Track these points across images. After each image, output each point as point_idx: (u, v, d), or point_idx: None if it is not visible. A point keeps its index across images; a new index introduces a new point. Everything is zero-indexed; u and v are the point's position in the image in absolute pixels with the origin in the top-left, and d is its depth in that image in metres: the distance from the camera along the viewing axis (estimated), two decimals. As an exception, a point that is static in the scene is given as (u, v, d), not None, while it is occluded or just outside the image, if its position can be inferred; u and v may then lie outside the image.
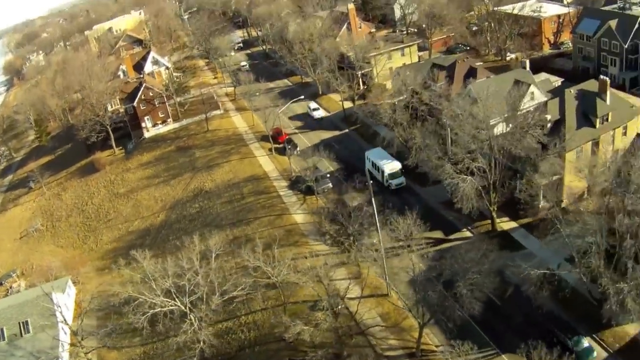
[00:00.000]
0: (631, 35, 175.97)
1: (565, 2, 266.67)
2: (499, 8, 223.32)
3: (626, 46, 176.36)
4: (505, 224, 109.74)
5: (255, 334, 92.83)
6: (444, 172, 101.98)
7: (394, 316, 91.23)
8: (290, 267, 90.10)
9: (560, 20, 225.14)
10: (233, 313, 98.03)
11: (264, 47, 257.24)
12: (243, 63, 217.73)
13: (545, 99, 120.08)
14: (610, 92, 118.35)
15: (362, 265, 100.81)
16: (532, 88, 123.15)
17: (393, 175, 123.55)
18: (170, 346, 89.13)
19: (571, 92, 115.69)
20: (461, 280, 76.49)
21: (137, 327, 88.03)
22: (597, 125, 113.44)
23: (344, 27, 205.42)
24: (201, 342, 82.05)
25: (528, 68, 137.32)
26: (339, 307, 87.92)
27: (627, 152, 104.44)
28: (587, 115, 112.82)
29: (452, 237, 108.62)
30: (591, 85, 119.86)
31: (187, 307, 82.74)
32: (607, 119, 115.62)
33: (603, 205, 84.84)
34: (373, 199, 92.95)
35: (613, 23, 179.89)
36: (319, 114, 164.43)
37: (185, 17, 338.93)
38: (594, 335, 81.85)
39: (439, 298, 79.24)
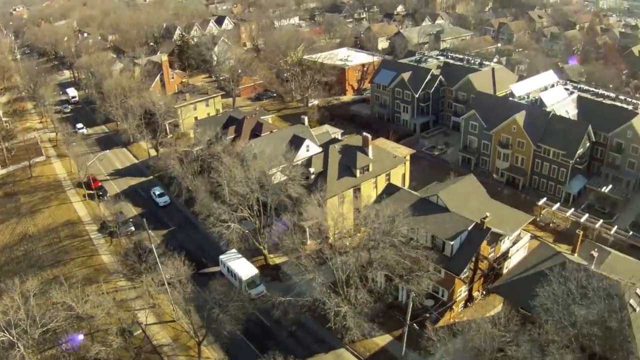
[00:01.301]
0: (422, 86, 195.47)
1: (379, 50, 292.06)
2: (308, 56, 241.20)
3: (417, 95, 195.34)
4: (278, 259, 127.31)
5: (74, 357, 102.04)
6: (208, 222, 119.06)
7: (183, 337, 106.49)
8: (89, 301, 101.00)
9: (365, 68, 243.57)
10: (56, 342, 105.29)
11: (87, 91, 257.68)
12: (79, 125, 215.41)
13: (320, 150, 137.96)
14: (372, 145, 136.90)
15: (158, 296, 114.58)
16: (308, 142, 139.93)
17: (251, 284, 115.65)
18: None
19: (335, 147, 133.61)
20: (219, 308, 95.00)
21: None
22: (358, 175, 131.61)
23: (157, 77, 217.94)
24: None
25: (306, 123, 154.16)
26: (135, 332, 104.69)
27: (377, 198, 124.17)
28: (349, 167, 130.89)
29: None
30: (356, 139, 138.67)
31: (15, 338, 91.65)
32: (367, 169, 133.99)
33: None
34: (153, 245, 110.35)
35: (406, 75, 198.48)
36: (165, 200, 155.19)
37: (18, 55, 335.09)
38: (347, 347, 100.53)
39: (207, 321, 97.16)
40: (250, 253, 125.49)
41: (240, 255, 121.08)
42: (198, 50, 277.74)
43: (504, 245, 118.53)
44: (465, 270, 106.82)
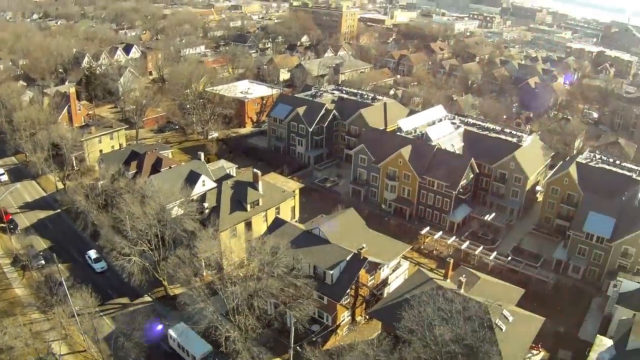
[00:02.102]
0: (317, 120, 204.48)
1: (281, 82, 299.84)
2: (210, 89, 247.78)
3: (311, 129, 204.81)
4: (177, 289, 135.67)
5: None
6: (112, 255, 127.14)
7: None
8: (8, 333, 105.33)
9: (264, 101, 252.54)
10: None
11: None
12: (0, 171, 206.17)
13: (215, 186, 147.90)
14: (262, 181, 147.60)
15: (69, 327, 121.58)
16: (204, 177, 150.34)
17: None
18: None
19: (228, 183, 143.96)
20: (123, 336, 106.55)
21: None
22: (249, 210, 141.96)
23: (65, 110, 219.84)
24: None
25: (202, 158, 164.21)
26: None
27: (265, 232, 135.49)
28: (240, 202, 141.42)
29: (136, 301, 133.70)
30: (248, 175, 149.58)
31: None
32: (258, 204, 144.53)
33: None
34: (62, 278, 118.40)
35: (301, 110, 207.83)
36: (102, 266, 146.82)
37: None
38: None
39: (114, 349, 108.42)
40: (152, 284, 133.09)
41: (190, 329, 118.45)
42: (104, 80, 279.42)
43: (384, 272, 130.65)
44: (345, 296, 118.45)
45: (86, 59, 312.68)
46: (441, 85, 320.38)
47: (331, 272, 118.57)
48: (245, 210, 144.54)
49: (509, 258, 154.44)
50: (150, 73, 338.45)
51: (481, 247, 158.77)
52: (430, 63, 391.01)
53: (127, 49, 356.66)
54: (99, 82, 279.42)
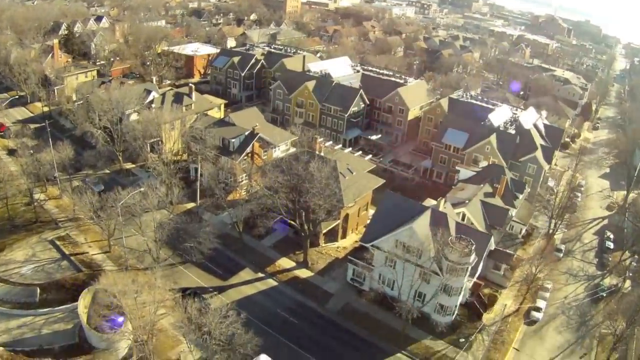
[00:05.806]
0: (248, 67, 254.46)
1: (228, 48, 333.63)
2: (168, 48, 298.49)
3: (243, 74, 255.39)
4: (128, 165, 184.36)
5: None
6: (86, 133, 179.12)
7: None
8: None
9: (210, 57, 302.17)
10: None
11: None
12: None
13: (161, 95, 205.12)
14: (195, 93, 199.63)
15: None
16: (153, 92, 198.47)
17: None
18: None
19: (170, 92, 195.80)
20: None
21: None
22: (184, 110, 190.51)
23: (50, 55, 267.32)
24: None
25: (154, 82, 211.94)
26: None
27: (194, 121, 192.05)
28: (179, 103, 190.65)
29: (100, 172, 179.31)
30: (184, 89, 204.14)
31: None
32: (191, 107, 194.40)
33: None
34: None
35: (236, 59, 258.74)
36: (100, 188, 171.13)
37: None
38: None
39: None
40: (109, 161, 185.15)
41: None
42: (80, 39, 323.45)
43: (275, 152, 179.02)
44: (241, 158, 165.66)
45: (64, 26, 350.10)
46: (363, 51, 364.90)
47: (233, 140, 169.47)
48: (182, 110, 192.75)
49: (388, 164, 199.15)
50: (118, 40, 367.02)
51: (370, 156, 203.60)
52: (360, 36, 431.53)
53: (98, 20, 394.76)
54: (75, 41, 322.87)
